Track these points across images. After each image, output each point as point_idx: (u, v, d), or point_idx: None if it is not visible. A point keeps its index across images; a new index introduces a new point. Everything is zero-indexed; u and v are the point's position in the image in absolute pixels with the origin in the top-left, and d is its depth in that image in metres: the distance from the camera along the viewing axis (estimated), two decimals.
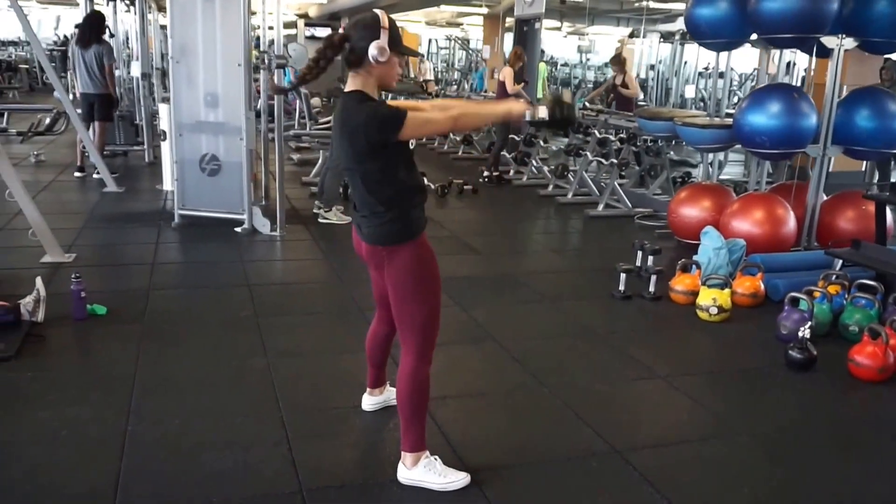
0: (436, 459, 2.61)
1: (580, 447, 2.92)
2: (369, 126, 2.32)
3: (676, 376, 3.62)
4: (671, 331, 4.36)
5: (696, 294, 4.58)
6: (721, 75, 7.20)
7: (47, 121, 8.53)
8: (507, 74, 8.82)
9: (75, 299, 3.90)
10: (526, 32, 10.96)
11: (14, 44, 20.92)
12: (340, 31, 2.41)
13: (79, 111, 7.50)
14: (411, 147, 2.50)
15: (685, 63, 15.96)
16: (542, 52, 14.74)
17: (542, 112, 2.63)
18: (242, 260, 5.29)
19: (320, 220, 6.50)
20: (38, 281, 3.86)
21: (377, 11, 2.41)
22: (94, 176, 7.68)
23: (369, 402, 3.10)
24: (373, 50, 2.33)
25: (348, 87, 2.42)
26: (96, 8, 8.83)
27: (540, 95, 13.72)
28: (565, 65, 22.51)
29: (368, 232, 2.50)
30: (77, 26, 7.89)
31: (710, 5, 5.73)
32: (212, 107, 5.95)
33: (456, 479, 2.59)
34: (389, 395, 3.10)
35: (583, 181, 8.05)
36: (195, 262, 5.39)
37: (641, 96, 17.07)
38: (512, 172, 9.40)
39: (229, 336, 3.88)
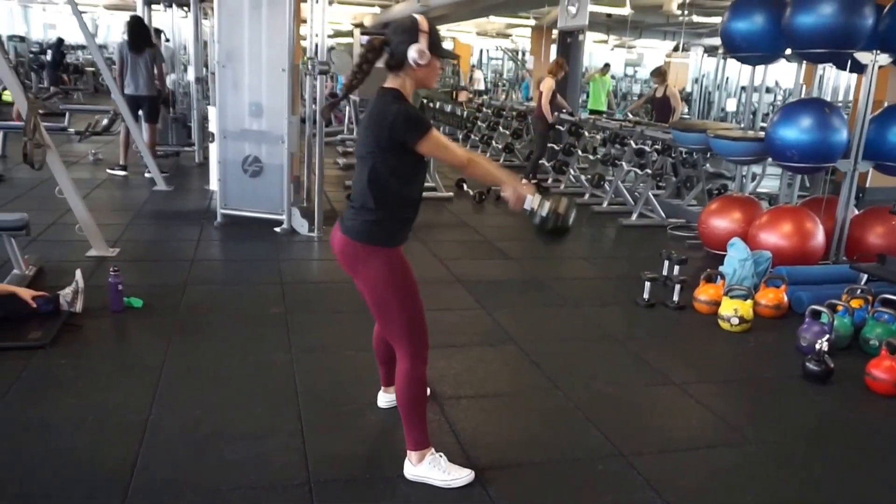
0: (441, 456, 2.62)
1: (587, 449, 2.90)
2: (396, 122, 2.33)
3: (691, 383, 3.56)
4: (691, 339, 4.29)
5: (719, 304, 4.50)
6: (756, 89, 7.07)
7: (104, 121, 8.77)
8: (546, 86, 8.80)
9: (113, 292, 4.01)
10: (569, 44, 10.89)
11: (83, 47, 21.59)
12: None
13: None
14: (425, 161, 2.50)
15: (727, 78, 15.68)
16: (608, 65, 14.52)
17: (543, 208, 2.43)
18: (279, 258, 5.37)
19: None
20: (78, 273, 3.98)
21: (416, 15, 2.42)
22: (146, 175, 7.88)
23: (384, 399, 3.13)
24: (412, 53, 2.35)
25: (387, 85, 2.44)
26: (137, 14, 9.05)
27: (602, 108, 13.57)
28: (612, 77, 22.28)
29: (350, 224, 2.49)
30: (126, 32, 8.05)
31: (745, 19, 5.63)
32: (255, 110, 6.06)
33: (460, 477, 2.59)
34: None
35: (618, 191, 7.98)
36: (233, 259, 5.50)
37: (686, 109, 16.87)
38: (550, 181, 9.38)
39: (257, 331, 3.95)
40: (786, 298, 4.62)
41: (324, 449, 2.78)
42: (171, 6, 9.58)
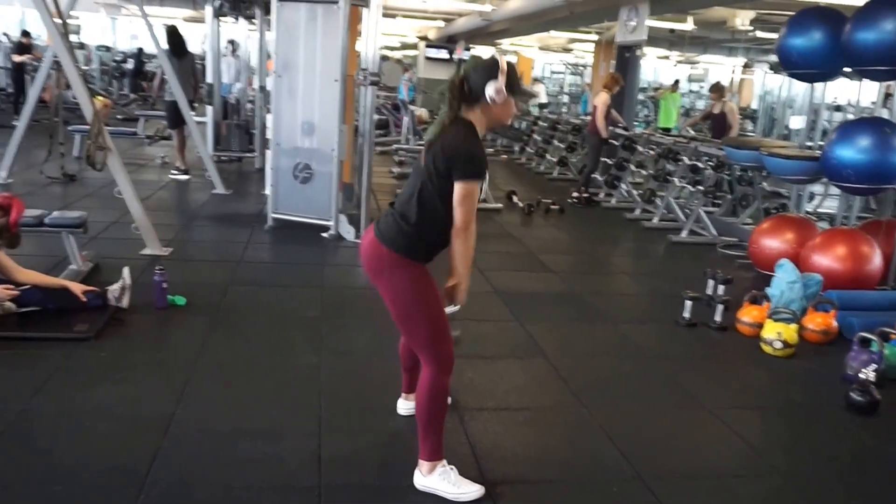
0: (451, 469, 2.56)
1: (604, 470, 2.79)
2: (458, 155, 2.37)
3: (723, 408, 3.40)
4: (729, 362, 4.11)
5: (762, 327, 4.31)
6: (822, 107, 6.79)
7: None
8: (601, 100, 8.65)
9: (157, 289, 4.10)
10: (627, 59, 10.72)
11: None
12: (460, 73, 2.48)
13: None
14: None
15: (793, 95, 15.15)
16: (677, 81, 14.23)
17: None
18: (322, 263, 5.41)
19: None
20: (125, 270, 4.08)
21: (496, 55, 2.49)
22: (206, 177, 8.08)
23: (404, 406, 3.09)
24: (490, 90, 2.39)
25: (463, 115, 2.45)
26: (173, 24, 9.35)
27: (673, 125, 13.27)
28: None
29: (385, 230, 2.48)
30: (167, 40, 8.32)
31: (802, 36, 5.42)
32: (308, 119, 6.14)
33: (469, 491, 2.53)
34: None
35: (669, 207, 7.78)
36: (278, 262, 5.56)
37: (750, 127, 16.38)
38: (602, 195, 9.22)
39: (290, 332, 3.97)
40: (835, 324, 4.39)
41: (339, 453, 2.76)
42: (238, 19, 9.81)
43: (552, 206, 8.16)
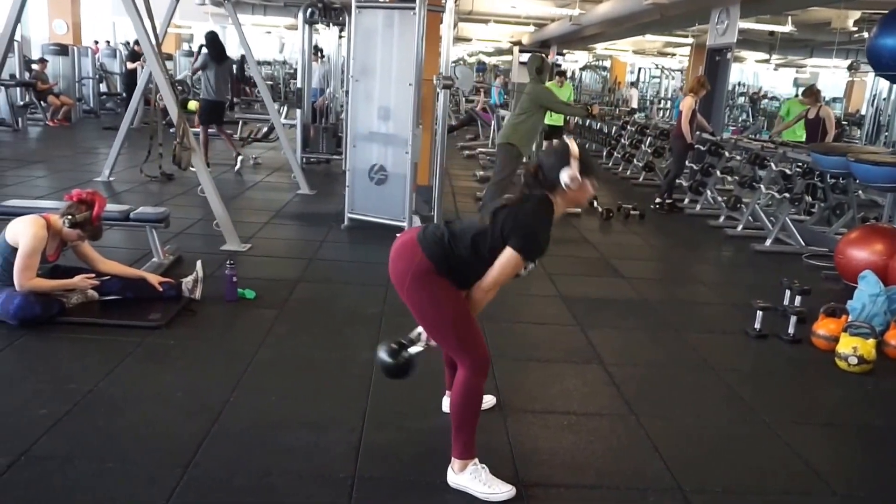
0: (483, 468, 2.55)
1: (643, 479, 2.70)
2: (518, 226, 2.40)
3: (782, 423, 3.22)
4: (797, 376, 3.90)
5: (839, 340, 4.06)
6: None
7: (264, 129, 9.42)
8: (686, 104, 8.37)
9: (228, 283, 4.27)
10: (718, 63, 10.33)
11: (267, 63, 23.26)
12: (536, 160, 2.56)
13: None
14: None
15: None
16: (812, 88, 13.42)
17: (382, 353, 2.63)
18: None
19: None
20: (199, 264, 4.27)
21: (567, 140, 2.52)
22: (292, 178, 8.34)
23: (447, 404, 3.09)
24: (564, 177, 2.42)
25: (549, 192, 2.48)
26: (213, 30, 9.73)
27: (798, 137, 12.58)
28: (774, 98, 20.87)
29: (431, 236, 2.53)
30: (207, 45, 8.78)
31: (894, 35, 5.07)
32: (383, 122, 6.25)
33: (500, 491, 2.51)
34: None
35: (755, 214, 7.45)
36: (349, 260, 5.68)
37: (857, 133, 15.42)
38: (686, 201, 8.92)
39: (351, 328, 4.04)
40: None
41: (378, 446, 2.79)
42: (329, 26, 10.09)
43: (632, 212, 7.96)
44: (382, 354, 2.63)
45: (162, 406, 3.01)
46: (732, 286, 5.71)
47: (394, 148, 6.22)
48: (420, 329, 2.67)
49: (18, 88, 12.03)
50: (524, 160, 6.78)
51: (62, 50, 13.56)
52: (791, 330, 4.35)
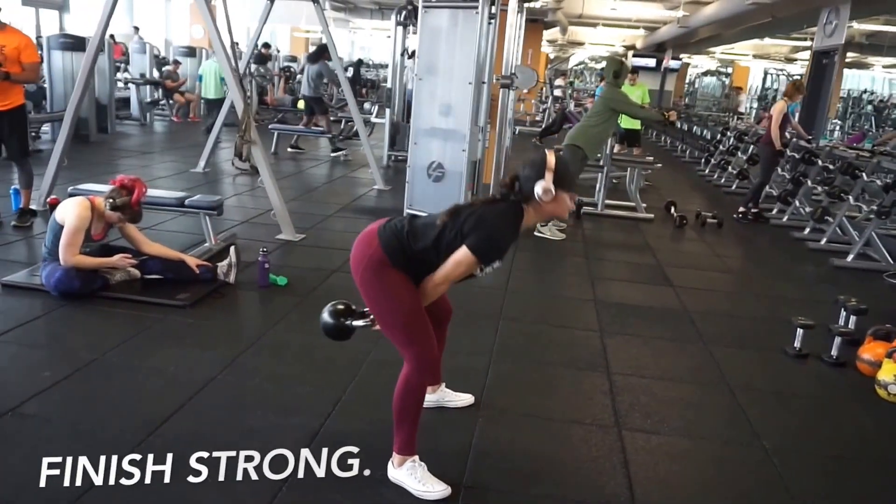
0: (421, 465, 2.47)
1: (599, 495, 2.52)
2: (485, 233, 2.32)
3: (783, 451, 2.91)
4: (825, 401, 3.52)
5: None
6: None
7: (355, 128, 9.64)
8: (777, 109, 7.78)
9: (260, 269, 4.38)
10: (825, 66, 9.55)
11: (384, 66, 23.82)
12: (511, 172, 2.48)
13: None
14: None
15: None
16: None
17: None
18: None
19: (535, 234, 6.40)
20: (232, 249, 4.40)
21: (546, 152, 2.43)
22: (370, 173, 8.47)
23: (429, 399, 3.02)
24: (538, 189, 2.35)
25: (524, 205, 2.41)
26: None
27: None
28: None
29: (390, 230, 2.47)
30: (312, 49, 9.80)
31: None
32: (445, 119, 6.22)
33: (433, 490, 2.42)
34: (444, 395, 3.06)
35: (843, 227, 6.82)
36: None
37: None
38: (775, 211, 8.30)
39: None
40: None
41: (334, 434, 2.75)
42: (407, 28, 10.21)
43: (710, 220, 7.50)
44: (326, 312, 2.64)
45: (152, 378, 3.12)
46: (791, 301, 5.22)
47: (452, 145, 6.17)
48: None
49: (148, 86, 12.95)
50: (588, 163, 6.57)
51: (190, 52, 14.49)
52: (834, 352, 3.94)
